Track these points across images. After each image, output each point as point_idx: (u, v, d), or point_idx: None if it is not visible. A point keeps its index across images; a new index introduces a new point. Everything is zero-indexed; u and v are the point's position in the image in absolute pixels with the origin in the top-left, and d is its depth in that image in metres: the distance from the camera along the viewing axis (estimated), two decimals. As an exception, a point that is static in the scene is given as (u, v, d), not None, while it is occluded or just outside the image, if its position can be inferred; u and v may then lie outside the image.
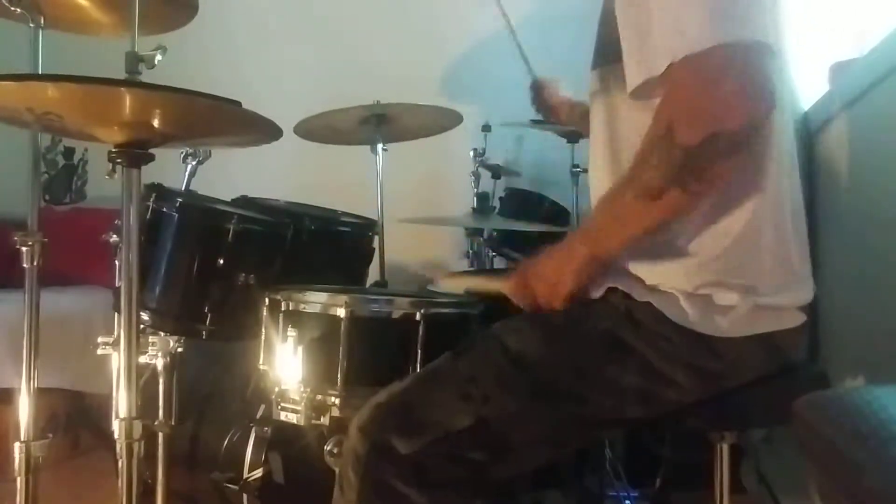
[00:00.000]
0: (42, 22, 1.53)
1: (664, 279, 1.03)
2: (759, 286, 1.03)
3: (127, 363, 1.24)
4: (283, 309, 1.41)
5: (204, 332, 1.61)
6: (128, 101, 1.12)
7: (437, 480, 1.02)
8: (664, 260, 1.03)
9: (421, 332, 1.32)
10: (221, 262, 1.59)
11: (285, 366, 1.35)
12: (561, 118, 1.77)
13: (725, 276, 1.02)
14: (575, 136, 2.42)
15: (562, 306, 1.08)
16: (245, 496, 1.60)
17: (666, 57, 0.91)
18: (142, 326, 1.47)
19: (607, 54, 1.07)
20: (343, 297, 1.34)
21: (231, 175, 2.34)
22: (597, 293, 1.07)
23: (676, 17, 0.90)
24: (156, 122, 1.20)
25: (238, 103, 1.14)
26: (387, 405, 1.06)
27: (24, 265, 1.51)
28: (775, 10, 1.01)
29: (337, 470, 1.10)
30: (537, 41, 1.98)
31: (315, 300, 1.39)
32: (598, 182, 1.14)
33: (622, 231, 1.01)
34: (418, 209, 2.22)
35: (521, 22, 1.94)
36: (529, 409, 1.03)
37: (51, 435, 1.54)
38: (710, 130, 0.88)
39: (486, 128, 2.70)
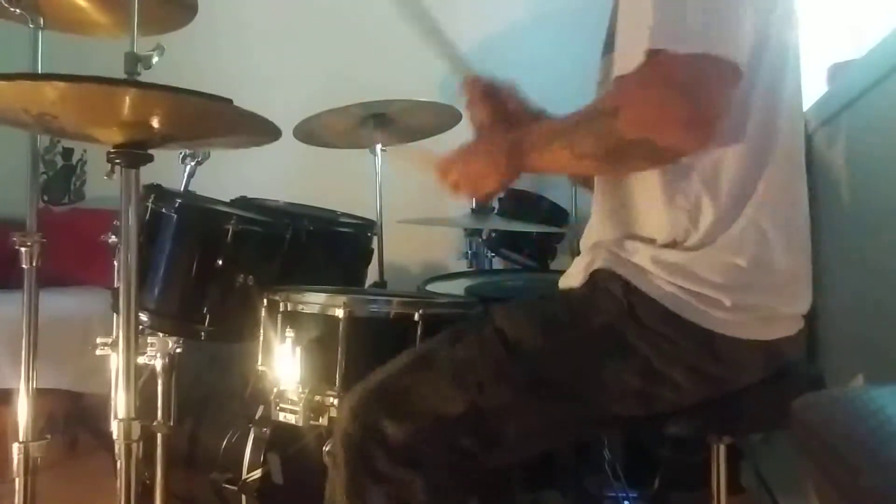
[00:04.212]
0: (41, 22, 1.54)
1: (667, 275, 1.01)
2: (766, 297, 1.02)
3: (126, 364, 1.24)
4: (281, 309, 1.41)
5: (203, 333, 1.61)
6: (126, 101, 1.12)
7: (429, 464, 1.02)
8: (666, 263, 1.02)
9: (419, 333, 1.32)
10: (220, 262, 1.59)
11: (284, 366, 1.35)
12: None
13: (730, 285, 1.00)
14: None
15: (482, 200, 1.18)
16: (244, 497, 1.60)
17: (652, 41, 0.91)
18: (140, 327, 1.47)
19: (613, 44, 1.08)
20: (341, 298, 1.34)
21: (230, 176, 2.34)
22: (593, 269, 1.06)
23: (675, 12, 0.91)
24: (154, 123, 1.19)
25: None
26: (379, 388, 1.06)
27: (23, 266, 1.52)
28: (781, 12, 1.01)
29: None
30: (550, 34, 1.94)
31: (313, 301, 1.39)
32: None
33: (543, 161, 1.07)
34: (417, 210, 2.21)
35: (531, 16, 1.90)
36: (524, 401, 1.03)
37: (49, 436, 1.54)
38: (644, 136, 0.92)
39: (485, 128, 2.69)
